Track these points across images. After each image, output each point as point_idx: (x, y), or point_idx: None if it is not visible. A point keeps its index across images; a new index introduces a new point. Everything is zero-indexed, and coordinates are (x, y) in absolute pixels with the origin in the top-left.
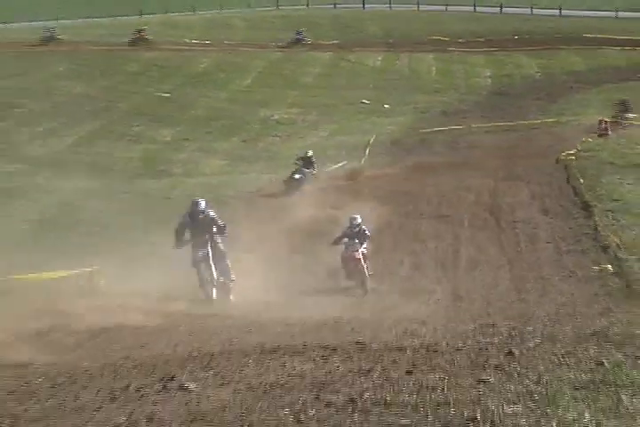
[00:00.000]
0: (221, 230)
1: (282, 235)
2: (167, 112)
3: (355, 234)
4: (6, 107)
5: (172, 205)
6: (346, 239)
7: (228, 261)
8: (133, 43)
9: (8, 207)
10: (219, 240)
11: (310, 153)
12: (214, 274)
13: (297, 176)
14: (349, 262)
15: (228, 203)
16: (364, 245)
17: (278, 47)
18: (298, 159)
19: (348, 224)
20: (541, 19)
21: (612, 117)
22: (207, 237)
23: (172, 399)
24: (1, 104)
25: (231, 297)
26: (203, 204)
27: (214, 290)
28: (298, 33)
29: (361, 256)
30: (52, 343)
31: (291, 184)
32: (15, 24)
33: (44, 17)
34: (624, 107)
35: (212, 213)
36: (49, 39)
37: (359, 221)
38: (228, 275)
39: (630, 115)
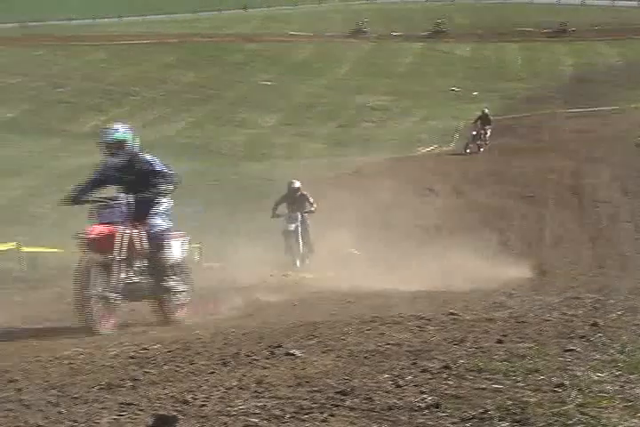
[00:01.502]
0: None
1: (380, 213)
2: (269, 99)
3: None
4: (122, 95)
5: (274, 185)
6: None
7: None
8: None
9: None
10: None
11: None
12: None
13: (291, 227)
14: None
15: (326, 183)
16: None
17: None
18: None
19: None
20: (621, 9)
21: None
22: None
23: (280, 365)
24: (118, 92)
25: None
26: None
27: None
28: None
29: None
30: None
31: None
32: (125, 18)
33: (152, 12)
34: None
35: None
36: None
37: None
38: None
39: None
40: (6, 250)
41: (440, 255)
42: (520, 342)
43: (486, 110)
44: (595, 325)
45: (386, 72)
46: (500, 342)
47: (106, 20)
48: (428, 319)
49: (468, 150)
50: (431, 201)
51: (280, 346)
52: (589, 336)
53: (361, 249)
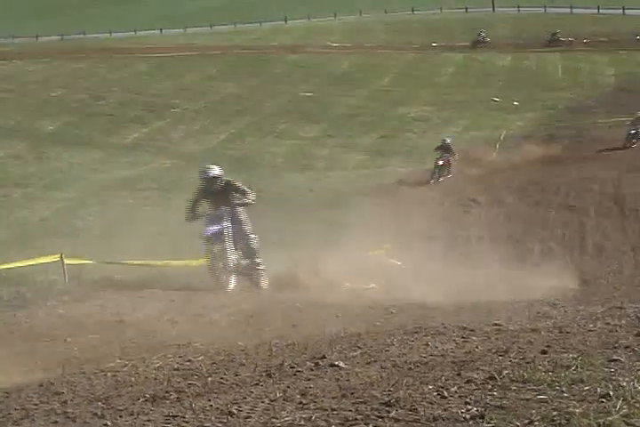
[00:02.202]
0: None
1: (420, 223)
2: (310, 110)
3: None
4: (164, 107)
5: (315, 197)
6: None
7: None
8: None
9: (165, 200)
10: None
11: None
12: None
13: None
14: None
15: (368, 194)
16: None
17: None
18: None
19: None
20: None
21: None
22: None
23: (324, 376)
24: (159, 104)
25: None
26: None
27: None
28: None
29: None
30: (209, 324)
31: None
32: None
33: (198, 24)
34: None
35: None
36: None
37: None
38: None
39: None
40: (50, 262)
41: (483, 266)
42: (564, 353)
43: (447, 140)
44: (639, 335)
45: (427, 82)
46: (544, 352)
47: (146, 32)
48: (472, 330)
49: (432, 181)
50: (474, 211)
51: (324, 357)
52: (634, 346)
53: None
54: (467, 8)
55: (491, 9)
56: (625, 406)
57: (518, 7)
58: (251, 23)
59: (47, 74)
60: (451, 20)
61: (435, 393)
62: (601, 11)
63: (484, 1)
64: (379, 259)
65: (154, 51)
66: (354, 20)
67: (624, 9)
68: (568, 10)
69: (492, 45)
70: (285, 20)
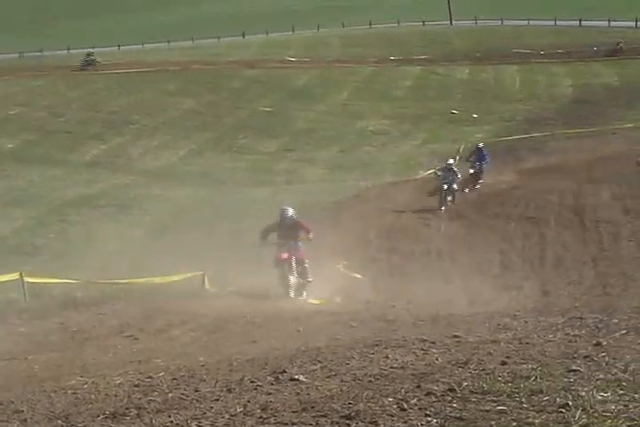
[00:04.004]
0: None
1: (381, 237)
2: (270, 125)
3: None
4: (123, 123)
5: (276, 211)
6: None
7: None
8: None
9: (125, 216)
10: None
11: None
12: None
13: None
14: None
15: (327, 208)
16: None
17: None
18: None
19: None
20: (618, 31)
21: None
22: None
23: (284, 390)
24: (118, 121)
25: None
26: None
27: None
28: None
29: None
30: (170, 341)
31: None
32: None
33: (155, 39)
34: None
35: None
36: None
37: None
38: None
39: None
40: (9, 280)
41: (442, 278)
42: (524, 364)
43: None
44: (598, 344)
45: (386, 96)
46: (503, 363)
47: (104, 49)
48: (432, 342)
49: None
50: (432, 224)
51: (284, 371)
52: (593, 356)
53: (364, 274)
54: (424, 21)
55: (448, 22)
56: (584, 416)
57: (476, 20)
58: (208, 38)
59: (6, 92)
60: (408, 33)
61: (395, 406)
62: (558, 22)
63: (442, 14)
64: (339, 273)
65: (112, 67)
66: (312, 34)
67: (580, 21)
68: (525, 22)
69: (452, 58)
70: (243, 35)
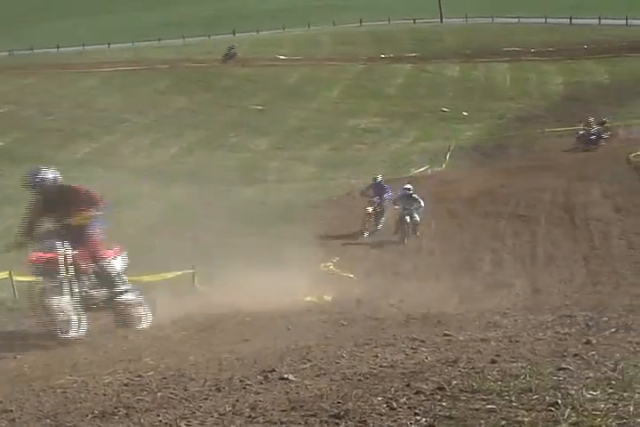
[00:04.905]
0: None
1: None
2: (261, 123)
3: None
4: (114, 121)
5: (267, 209)
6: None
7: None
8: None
9: (116, 215)
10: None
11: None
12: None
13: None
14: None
15: (318, 206)
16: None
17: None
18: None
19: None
20: (609, 28)
21: None
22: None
23: (273, 389)
24: (109, 119)
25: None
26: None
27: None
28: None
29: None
30: (160, 339)
31: None
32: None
33: (144, 38)
34: None
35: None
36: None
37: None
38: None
39: None
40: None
41: (433, 276)
42: (513, 362)
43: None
44: (588, 343)
45: (377, 94)
46: (493, 362)
47: (94, 47)
48: (422, 341)
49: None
50: (424, 222)
51: (273, 370)
52: (583, 354)
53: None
54: (414, 19)
55: (438, 19)
56: (573, 415)
57: (466, 17)
58: (199, 37)
59: None
60: (399, 31)
61: (384, 405)
62: (548, 20)
63: (432, 11)
64: (331, 272)
65: (102, 66)
66: (302, 32)
67: (571, 19)
68: (516, 20)
69: (443, 56)
70: (234, 33)
